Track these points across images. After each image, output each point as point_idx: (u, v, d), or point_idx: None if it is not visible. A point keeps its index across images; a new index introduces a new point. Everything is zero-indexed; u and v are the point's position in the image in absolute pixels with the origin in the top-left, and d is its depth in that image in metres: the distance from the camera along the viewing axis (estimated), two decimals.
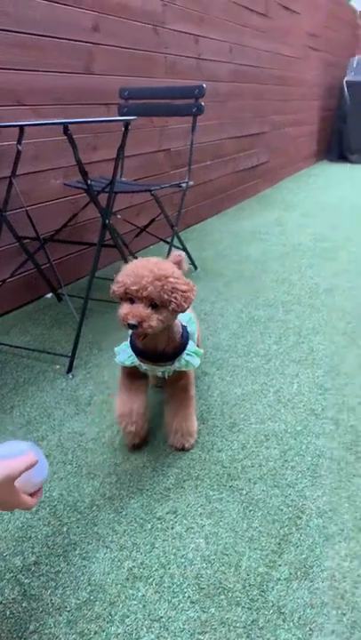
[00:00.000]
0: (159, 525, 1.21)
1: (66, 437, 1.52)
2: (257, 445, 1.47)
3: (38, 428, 1.57)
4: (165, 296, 1.19)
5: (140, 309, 1.19)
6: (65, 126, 1.75)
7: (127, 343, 1.40)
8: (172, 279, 1.21)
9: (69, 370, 1.86)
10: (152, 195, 2.41)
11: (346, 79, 6.98)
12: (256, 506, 1.26)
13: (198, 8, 3.59)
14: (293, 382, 1.79)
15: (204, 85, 2.56)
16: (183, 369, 1.40)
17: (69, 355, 1.89)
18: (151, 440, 1.50)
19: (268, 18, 4.81)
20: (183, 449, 1.46)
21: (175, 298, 1.20)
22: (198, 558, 1.12)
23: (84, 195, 2.49)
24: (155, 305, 1.20)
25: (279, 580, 1.07)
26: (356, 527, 1.19)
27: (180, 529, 1.20)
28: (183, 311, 1.24)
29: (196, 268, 2.95)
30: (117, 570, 1.10)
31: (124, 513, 1.24)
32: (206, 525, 1.20)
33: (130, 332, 1.36)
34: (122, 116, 2.75)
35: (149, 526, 1.21)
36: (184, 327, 1.41)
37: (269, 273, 2.88)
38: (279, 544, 1.15)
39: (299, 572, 1.08)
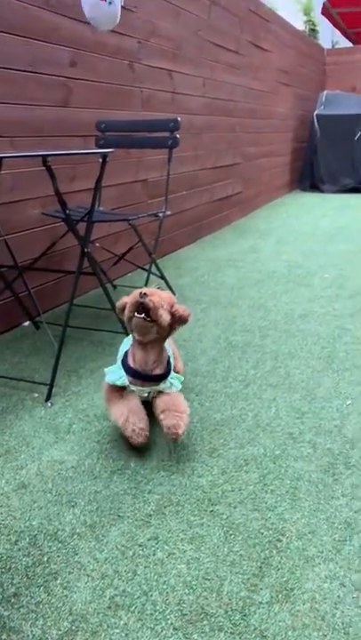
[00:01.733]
0: (141, 552, 1.20)
1: (45, 466, 1.51)
2: (237, 470, 1.49)
3: (17, 457, 1.55)
4: (168, 305, 1.51)
5: (155, 290, 1.53)
6: (44, 158, 1.79)
7: (119, 365, 1.50)
8: (176, 306, 1.58)
9: (48, 398, 1.86)
10: (130, 224, 2.46)
11: (316, 113, 7.25)
12: (237, 530, 1.27)
13: (172, 45, 3.73)
14: (271, 407, 1.82)
15: (179, 119, 2.65)
16: (167, 390, 1.55)
17: (48, 383, 1.88)
18: (132, 466, 1.51)
19: (239, 55, 5.01)
20: (177, 435, 1.48)
21: (176, 308, 1.55)
22: (180, 584, 1.12)
23: (63, 223, 2.53)
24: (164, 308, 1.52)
25: (261, 603, 1.07)
26: (335, 549, 1.21)
27: (162, 555, 1.20)
28: (174, 330, 1.54)
29: (174, 294, 2.98)
30: (99, 599, 1.09)
31: (105, 541, 1.24)
32: (188, 551, 1.21)
33: (123, 353, 1.62)
34: (99, 147, 2.81)
35: (131, 553, 1.20)
36: (169, 357, 1.63)
37: (246, 299, 2.94)
38: (260, 567, 1.16)
39: (280, 595, 1.09)
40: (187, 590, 1.11)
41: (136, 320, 1.51)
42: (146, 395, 1.59)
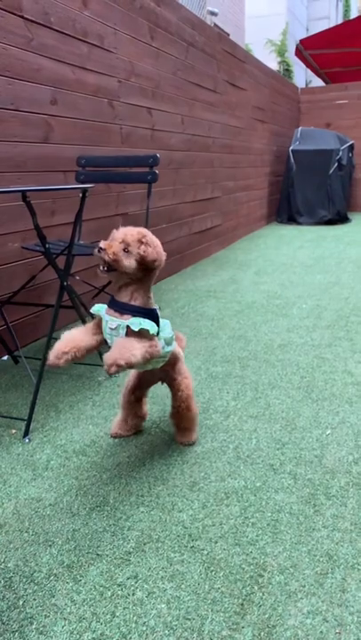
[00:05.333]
0: (120, 592, 1.18)
1: (22, 504, 1.48)
2: (217, 503, 1.47)
3: None
4: (137, 245, 1.46)
5: (112, 243, 1.47)
6: (23, 194, 1.81)
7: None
8: (148, 237, 1.50)
9: (26, 434, 1.83)
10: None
11: (291, 148, 7.48)
12: (218, 566, 1.25)
13: (151, 84, 3.84)
14: (252, 438, 1.82)
15: (158, 155, 2.71)
16: (133, 328, 1.46)
17: (26, 418, 1.86)
18: (111, 502, 1.48)
19: (216, 93, 5.17)
20: (107, 368, 1.39)
21: (146, 250, 1.46)
22: (160, 625, 1.09)
23: (43, 257, 2.54)
24: (127, 251, 1.46)
25: None
26: (317, 582, 1.20)
27: (142, 595, 1.17)
28: (148, 265, 1.48)
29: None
30: None
31: (82, 581, 1.21)
32: (168, 589, 1.18)
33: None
34: (79, 182, 2.85)
35: (109, 594, 1.17)
36: (156, 309, 1.56)
37: (226, 330, 2.96)
38: (242, 604, 1.14)
39: (262, 633, 1.07)
40: (167, 631, 1.08)
41: (101, 273, 1.52)
42: (114, 327, 1.49)
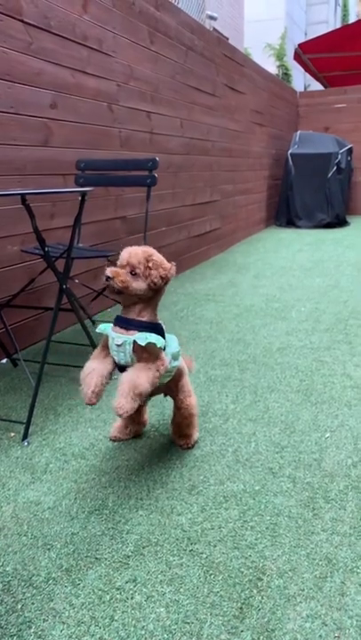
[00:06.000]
0: (118, 596, 1.17)
1: (21, 507, 1.48)
2: (216, 507, 1.47)
3: None
4: (143, 268, 1.45)
5: (118, 269, 1.46)
6: (22, 197, 1.81)
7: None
8: (155, 257, 1.48)
9: (25, 437, 1.83)
10: (109, 260, 2.48)
11: (290, 152, 7.50)
12: (217, 569, 1.24)
13: (150, 88, 3.85)
14: (251, 441, 1.82)
15: (157, 158, 2.72)
16: (140, 342, 1.45)
17: (25, 421, 1.86)
18: (110, 505, 1.48)
19: (215, 97, 5.19)
20: (119, 414, 1.41)
21: (151, 273, 1.45)
22: (159, 629, 1.09)
23: (42, 260, 2.54)
24: (134, 273, 1.45)
25: None
26: (316, 586, 1.20)
27: (140, 598, 1.17)
28: (157, 286, 1.46)
29: None
30: None
31: (81, 585, 1.20)
32: (167, 593, 1.18)
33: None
34: (78, 186, 2.86)
35: (108, 597, 1.17)
36: (162, 325, 1.57)
37: (225, 333, 2.96)
38: (241, 608, 1.14)
39: (261, 637, 1.07)
40: (166, 635, 1.08)
41: (110, 296, 1.54)
42: (120, 344, 1.47)
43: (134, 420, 1.81)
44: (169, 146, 4.24)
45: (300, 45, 9.22)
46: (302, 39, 16.52)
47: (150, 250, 1.51)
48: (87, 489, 1.56)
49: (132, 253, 1.47)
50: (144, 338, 1.46)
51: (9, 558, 1.29)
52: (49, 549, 1.31)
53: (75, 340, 2.75)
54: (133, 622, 1.11)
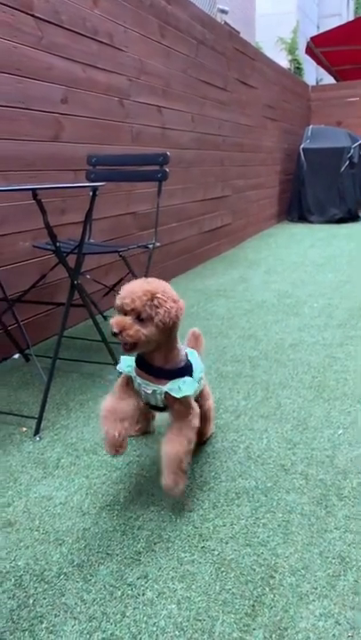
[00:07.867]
0: (130, 592, 1.17)
1: (33, 502, 1.48)
2: (228, 503, 1.46)
3: (4, 494, 1.52)
4: (149, 310, 1.29)
5: (124, 319, 1.30)
6: (34, 192, 1.81)
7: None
8: (159, 295, 1.31)
9: (37, 432, 1.83)
10: (120, 255, 2.48)
11: (302, 146, 7.43)
12: (229, 566, 1.24)
13: (161, 83, 3.83)
14: (263, 438, 1.80)
15: (168, 153, 2.70)
16: (174, 394, 1.36)
17: (37, 416, 1.86)
18: (121, 501, 1.47)
19: (226, 91, 5.15)
20: (174, 495, 1.40)
21: (158, 312, 1.29)
22: (171, 626, 1.08)
23: (54, 255, 2.54)
24: (141, 319, 1.30)
25: None
26: (330, 584, 1.18)
27: (152, 595, 1.16)
28: (166, 326, 1.31)
29: None
30: None
31: (93, 581, 1.20)
32: (178, 590, 1.17)
33: None
34: (90, 181, 2.85)
35: (120, 593, 1.17)
36: (187, 354, 1.46)
37: (236, 329, 2.95)
38: (253, 606, 1.13)
39: (273, 635, 1.06)
40: (177, 632, 1.07)
41: (127, 352, 1.40)
42: (150, 392, 1.40)
43: (144, 416, 1.79)
44: (180, 141, 4.21)
45: (312, 38, 9.14)
46: (314, 33, 16.36)
47: (153, 284, 1.34)
48: (99, 484, 1.56)
49: (135, 296, 1.29)
50: (177, 389, 1.37)
51: (21, 553, 1.29)
52: (60, 544, 1.31)
53: (86, 335, 2.75)
54: (145, 619, 1.10)
